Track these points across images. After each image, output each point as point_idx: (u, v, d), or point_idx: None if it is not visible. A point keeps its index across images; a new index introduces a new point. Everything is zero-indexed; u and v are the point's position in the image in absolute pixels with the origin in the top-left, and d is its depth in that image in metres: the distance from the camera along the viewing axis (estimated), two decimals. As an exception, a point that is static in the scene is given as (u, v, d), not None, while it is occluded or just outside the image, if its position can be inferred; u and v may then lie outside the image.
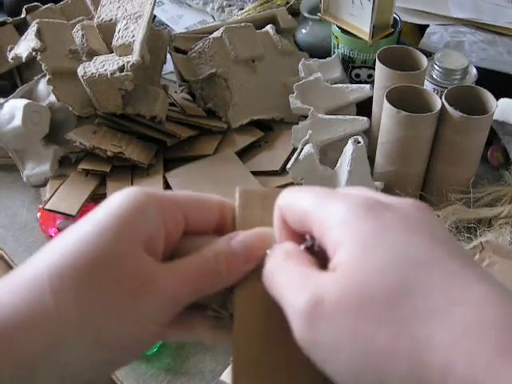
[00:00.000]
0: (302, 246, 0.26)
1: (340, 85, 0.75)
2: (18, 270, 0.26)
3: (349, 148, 0.62)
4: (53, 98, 0.70)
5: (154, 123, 0.70)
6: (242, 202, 0.30)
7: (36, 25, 0.70)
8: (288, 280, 0.25)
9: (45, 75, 0.70)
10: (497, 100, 0.60)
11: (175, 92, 0.81)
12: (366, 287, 0.22)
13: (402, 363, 0.21)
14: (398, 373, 0.21)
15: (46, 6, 0.85)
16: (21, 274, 0.26)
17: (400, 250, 0.22)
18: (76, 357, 0.25)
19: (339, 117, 0.70)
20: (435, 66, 0.69)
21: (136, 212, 0.27)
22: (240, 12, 0.95)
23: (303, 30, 0.87)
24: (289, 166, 0.64)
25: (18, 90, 0.74)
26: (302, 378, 0.26)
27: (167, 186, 0.68)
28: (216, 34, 0.77)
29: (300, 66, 0.77)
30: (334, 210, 0.24)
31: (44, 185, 0.70)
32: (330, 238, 0.24)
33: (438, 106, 0.59)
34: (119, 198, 0.28)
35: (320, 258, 0.26)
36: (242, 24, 0.79)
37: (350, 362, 0.22)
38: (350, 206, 0.24)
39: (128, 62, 0.65)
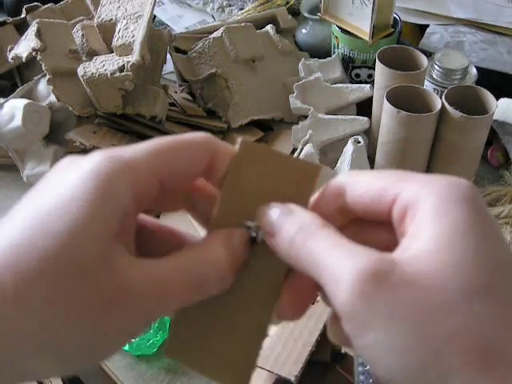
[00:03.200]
0: None
1: (340, 85, 0.75)
2: None
3: (349, 148, 0.62)
4: (53, 97, 0.70)
5: (154, 123, 0.70)
6: (241, 155, 0.26)
7: (36, 25, 0.70)
8: (333, 246, 0.22)
9: (45, 75, 0.70)
10: (497, 100, 0.60)
11: (175, 92, 0.81)
12: (448, 280, 0.20)
13: None
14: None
15: (45, 6, 0.85)
16: None
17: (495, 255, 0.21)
18: (35, 370, 0.22)
19: (339, 117, 0.70)
20: (435, 66, 0.69)
21: (105, 195, 0.22)
22: (240, 12, 0.95)
23: (303, 30, 0.87)
24: (289, 165, 0.64)
25: (18, 90, 0.74)
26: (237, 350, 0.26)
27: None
28: (216, 34, 0.77)
29: (300, 65, 0.77)
30: (432, 186, 0.22)
31: (44, 185, 0.70)
32: (416, 215, 0.22)
33: (438, 106, 0.59)
34: (84, 174, 0.22)
35: None
36: (242, 24, 0.79)
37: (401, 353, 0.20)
38: (449, 185, 0.22)
39: (128, 62, 0.65)
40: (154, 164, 0.24)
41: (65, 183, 0.23)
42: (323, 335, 0.50)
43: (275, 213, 0.25)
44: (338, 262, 0.21)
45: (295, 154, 0.64)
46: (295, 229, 0.23)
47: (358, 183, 0.24)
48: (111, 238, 0.22)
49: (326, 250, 0.22)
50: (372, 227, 0.25)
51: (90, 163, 0.23)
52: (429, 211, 0.21)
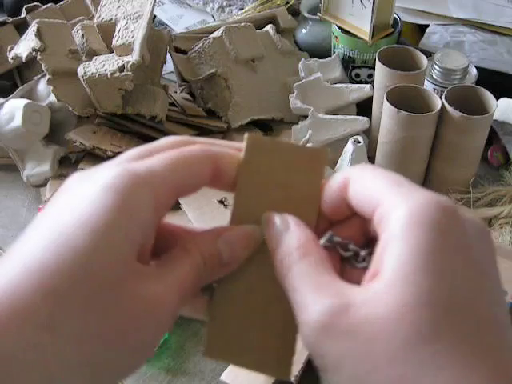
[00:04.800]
0: (322, 241, 0.25)
1: (340, 85, 0.75)
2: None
3: (349, 148, 0.62)
4: (53, 97, 0.70)
5: (154, 123, 0.70)
6: (249, 152, 0.27)
7: (36, 25, 0.70)
8: (307, 280, 0.23)
9: (45, 75, 0.70)
10: (497, 100, 0.60)
11: (175, 92, 0.81)
12: (407, 316, 0.19)
13: None
14: None
15: (45, 6, 0.85)
16: (10, 292, 0.20)
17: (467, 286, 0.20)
18: None
19: (339, 117, 0.70)
20: (435, 66, 0.69)
21: (132, 212, 0.22)
22: (240, 12, 0.95)
23: (303, 30, 0.87)
24: (289, 165, 0.64)
25: (17, 89, 0.74)
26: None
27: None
28: (216, 34, 0.77)
29: (300, 65, 0.77)
30: (409, 202, 0.22)
31: (44, 185, 0.70)
32: (388, 228, 0.22)
33: (438, 106, 0.59)
34: (103, 189, 0.22)
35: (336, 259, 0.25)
36: (242, 24, 0.79)
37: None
38: (427, 205, 0.21)
39: (128, 62, 0.65)
40: (171, 178, 0.24)
41: (83, 198, 0.22)
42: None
43: (275, 227, 0.26)
44: (306, 298, 0.22)
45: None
46: (284, 252, 0.25)
47: (359, 181, 0.25)
48: (134, 255, 0.22)
49: (301, 281, 0.23)
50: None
51: (106, 177, 0.23)
52: (395, 230, 0.21)
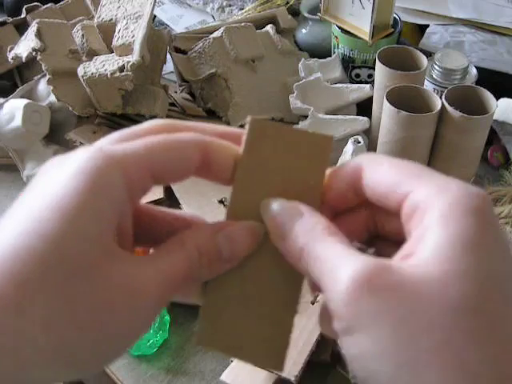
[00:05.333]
0: None
1: (340, 85, 0.75)
2: None
3: (349, 148, 0.62)
4: (53, 97, 0.70)
5: (154, 123, 0.70)
6: (252, 137, 0.26)
7: (36, 25, 0.70)
8: (339, 248, 0.22)
9: (45, 75, 0.70)
10: (497, 100, 0.60)
11: (175, 92, 0.81)
12: (451, 290, 0.20)
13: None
14: None
15: (45, 6, 0.85)
16: None
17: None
18: (43, 379, 0.22)
19: (339, 117, 0.70)
20: (435, 66, 0.69)
21: (103, 192, 0.21)
22: (240, 12, 0.95)
23: (303, 30, 0.87)
24: (289, 165, 0.64)
25: (17, 89, 0.74)
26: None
27: (167, 186, 0.68)
28: (216, 34, 0.77)
29: (300, 65, 0.77)
30: (447, 192, 0.22)
31: (44, 185, 0.70)
32: (424, 220, 0.22)
33: (438, 106, 0.59)
34: (74, 172, 0.22)
35: None
36: (242, 24, 0.79)
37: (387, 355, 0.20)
38: (465, 194, 0.21)
39: (128, 62, 0.65)
40: (146, 160, 0.23)
41: (55, 182, 0.22)
42: (323, 335, 0.50)
43: (283, 215, 0.24)
44: (337, 267, 0.21)
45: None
46: (305, 236, 0.23)
47: (377, 169, 0.24)
48: (109, 237, 0.22)
49: (329, 257, 0.22)
50: (385, 212, 0.25)
51: (80, 160, 0.22)
52: (436, 219, 0.21)
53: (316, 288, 0.24)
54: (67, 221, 0.21)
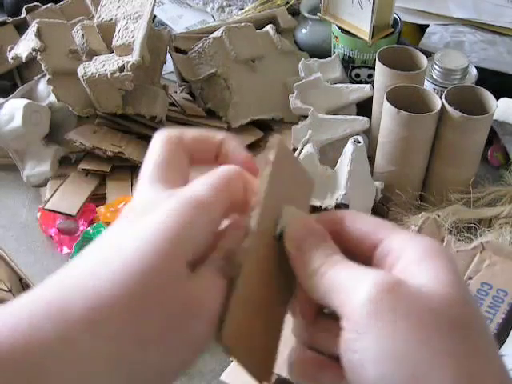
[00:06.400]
0: None
1: (340, 85, 0.75)
2: (46, 290, 0.23)
3: (349, 148, 0.62)
4: (53, 97, 0.70)
5: (154, 123, 0.70)
6: (276, 158, 0.28)
7: (36, 25, 0.70)
8: (348, 273, 0.25)
9: (45, 75, 0.70)
10: (497, 100, 0.60)
11: (175, 92, 0.81)
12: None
13: None
14: None
15: (45, 6, 0.85)
16: (53, 299, 0.22)
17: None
18: None
19: (339, 117, 0.70)
20: (435, 66, 0.69)
21: (184, 239, 0.24)
22: (240, 12, 0.95)
23: (303, 30, 0.87)
24: (289, 165, 0.64)
25: (18, 89, 0.74)
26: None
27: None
28: (216, 34, 0.77)
29: (300, 65, 0.77)
30: (411, 242, 0.26)
31: (44, 185, 0.70)
32: (400, 261, 0.26)
33: (438, 106, 0.59)
34: (164, 218, 0.24)
35: None
36: (242, 24, 0.79)
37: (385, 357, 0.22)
38: (429, 245, 0.26)
39: (128, 62, 0.65)
40: (223, 203, 0.26)
41: (143, 227, 0.24)
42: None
43: (304, 233, 0.27)
44: (353, 281, 0.24)
45: (295, 154, 0.64)
46: (321, 260, 0.26)
47: (357, 217, 0.28)
48: (183, 266, 0.24)
49: (344, 277, 0.25)
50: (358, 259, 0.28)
51: (168, 207, 0.24)
52: (415, 259, 0.25)
53: (307, 313, 0.27)
54: (143, 247, 0.23)
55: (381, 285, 0.23)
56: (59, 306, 0.22)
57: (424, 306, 0.23)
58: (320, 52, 0.82)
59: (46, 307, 0.22)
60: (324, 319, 0.28)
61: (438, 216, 0.60)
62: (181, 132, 0.29)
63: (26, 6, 0.84)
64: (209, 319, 0.24)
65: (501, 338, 0.48)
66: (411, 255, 0.25)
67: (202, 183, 0.26)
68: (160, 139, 0.28)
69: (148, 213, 0.24)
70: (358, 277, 0.24)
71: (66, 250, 0.66)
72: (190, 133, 0.29)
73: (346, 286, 0.24)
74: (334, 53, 0.79)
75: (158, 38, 0.75)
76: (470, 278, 0.45)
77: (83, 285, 0.22)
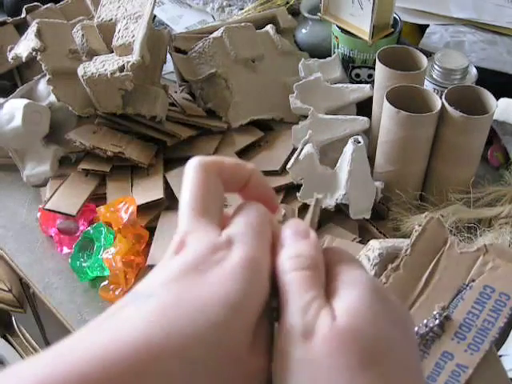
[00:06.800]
0: None
1: (340, 85, 0.75)
2: None
3: (349, 148, 0.62)
4: (53, 97, 0.70)
5: (154, 123, 0.70)
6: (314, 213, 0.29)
7: (36, 25, 0.70)
8: (303, 291, 0.25)
9: (45, 75, 0.70)
10: (497, 100, 0.60)
11: (175, 92, 0.81)
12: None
13: None
14: None
15: (45, 6, 0.85)
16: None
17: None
18: None
19: (339, 117, 0.70)
20: (435, 66, 0.69)
21: (259, 294, 0.24)
22: (240, 12, 0.95)
23: (303, 30, 0.87)
24: (289, 165, 0.64)
25: (17, 89, 0.74)
26: None
27: (167, 186, 0.68)
28: (216, 34, 0.77)
29: (300, 65, 0.77)
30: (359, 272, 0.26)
31: (44, 185, 0.70)
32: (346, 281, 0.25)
33: (438, 106, 0.59)
34: (244, 273, 0.24)
35: None
36: (242, 24, 0.79)
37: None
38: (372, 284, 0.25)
39: (128, 62, 0.65)
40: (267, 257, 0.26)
41: (215, 280, 0.24)
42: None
43: (290, 231, 0.27)
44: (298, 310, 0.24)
45: (295, 154, 0.65)
46: (288, 256, 0.26)
47: (340, 249, 0.28)
48: (249, 330, 0.24)
49: (296, 291, 0.24)
50: None
51: (238, 262, 0.24)
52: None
53: None
54: (230, 314, 0.23)
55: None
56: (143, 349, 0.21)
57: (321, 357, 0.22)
58: (320, 52, 0.82)
59: None
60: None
61: (442, 216, 0.60)
62: (218, 161, 0.29)
63: (26, 6, 0.84)
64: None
65: (502, 341, 0.48)
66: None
67: (251, 237, 0.26)
68: (200, 168, 0.28)
69: (213, 266, 0.24)
70: (301, 306, 0.24)
71: (66, 249, 0.66)
72: (227, 161, 0.29)
73: (292, 306, 0.24)
74: (334, 53, 0.79)
75: (158, 37, 0.75)
76: (473, 281, 0.44)
77: (166, 339, 0.22)
